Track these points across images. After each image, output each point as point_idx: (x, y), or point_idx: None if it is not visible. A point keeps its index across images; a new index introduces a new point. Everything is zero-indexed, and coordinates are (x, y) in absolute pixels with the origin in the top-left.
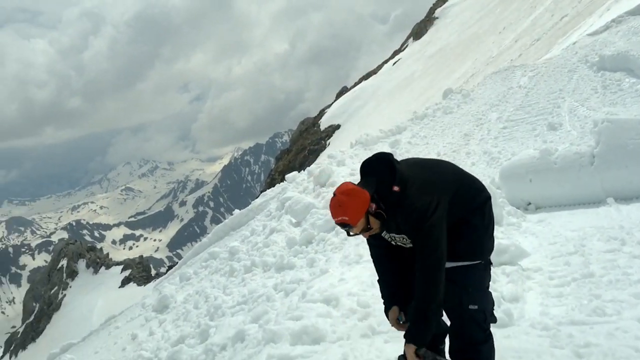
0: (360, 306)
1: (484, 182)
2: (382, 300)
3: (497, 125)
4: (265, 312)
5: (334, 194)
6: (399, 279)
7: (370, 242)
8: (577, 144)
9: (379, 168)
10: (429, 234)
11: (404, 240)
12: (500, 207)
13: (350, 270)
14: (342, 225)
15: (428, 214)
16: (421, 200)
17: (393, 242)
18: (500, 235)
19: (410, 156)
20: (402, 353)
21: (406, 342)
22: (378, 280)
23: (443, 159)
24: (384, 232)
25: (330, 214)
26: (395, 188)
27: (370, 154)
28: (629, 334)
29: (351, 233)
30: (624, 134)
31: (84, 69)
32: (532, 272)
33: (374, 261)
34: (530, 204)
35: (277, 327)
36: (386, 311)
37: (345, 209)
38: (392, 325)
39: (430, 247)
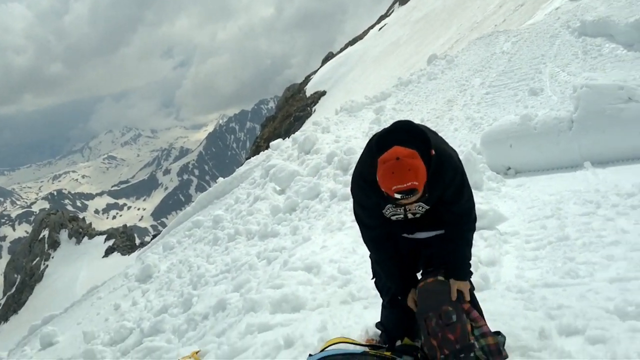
0: (340, 273)
1: (465, 148)
2: (391, 289)
3: (480, 91)
4: (247, 281)
5: (397, 158)
6: (400, 261)
7: (368, 225)
8: (556, 109)
9: (408, 137)
10: (468, 188)
11: (419, 207)
12: (481, 172)
13: (332, 237)
14: (408, 192)
15: (462, 169)
16: (454, 157)
17: (398, 216)
18: (480, 200)
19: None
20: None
21: (460, 280)
22: (380, 266)
23: (426, 125)
24: (390, 205)
25: (391, 182)
26: (433, 152)
27: (356, 121)
28: (600, 295)
29: (403, 201)
30: (602, 99)
31: (64, 33)
32: (509, 236)
33: (375, 246)
34: (510, 168)
35: (257, 295)
36: (404, 297)
37: (415, 173)
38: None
39: (472, 200)
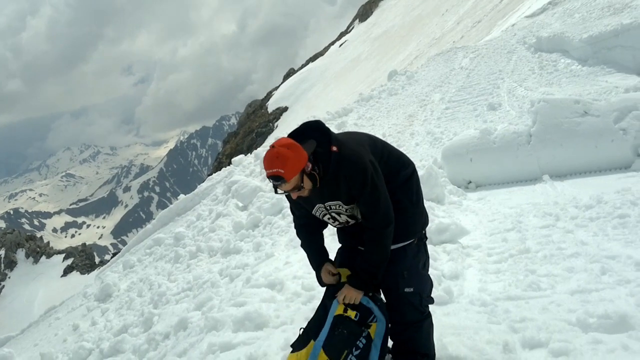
0: (304, 289)
1: (427, 162)
2: (313, 266)
3: (440, 106)
4: (209, 299)
5: (273, 146)
6: (323, 245)
7: (294, 214)
8: (515, 123)
9: (313, 133)
10: (376, 188)
11: (340, 207)
12: (442, 186)
13: (295, 253)
14: (275, 178)
15: (369, 169)
16: (360, 156)
17: (325, 216)
18: (442, 214)
19: None
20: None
21: (354, 287)
22: (304, 246)
23: (388, 140)
24: (317, 205)
25: (265, 167)
26: (334, 148)
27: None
28: (562, 307)
29: (280, 190)
30: (559, 113)
31: (21, 50)
32: (471, 249)
33: (300, 231)
34: (470, 182)
35: (219, 314)
36: (319, 272)
37: (283, 162)
38: (325, 281)
39: (380, 201)
